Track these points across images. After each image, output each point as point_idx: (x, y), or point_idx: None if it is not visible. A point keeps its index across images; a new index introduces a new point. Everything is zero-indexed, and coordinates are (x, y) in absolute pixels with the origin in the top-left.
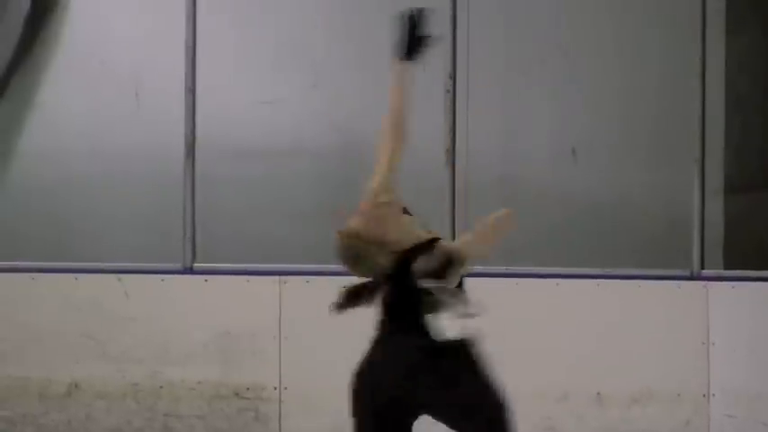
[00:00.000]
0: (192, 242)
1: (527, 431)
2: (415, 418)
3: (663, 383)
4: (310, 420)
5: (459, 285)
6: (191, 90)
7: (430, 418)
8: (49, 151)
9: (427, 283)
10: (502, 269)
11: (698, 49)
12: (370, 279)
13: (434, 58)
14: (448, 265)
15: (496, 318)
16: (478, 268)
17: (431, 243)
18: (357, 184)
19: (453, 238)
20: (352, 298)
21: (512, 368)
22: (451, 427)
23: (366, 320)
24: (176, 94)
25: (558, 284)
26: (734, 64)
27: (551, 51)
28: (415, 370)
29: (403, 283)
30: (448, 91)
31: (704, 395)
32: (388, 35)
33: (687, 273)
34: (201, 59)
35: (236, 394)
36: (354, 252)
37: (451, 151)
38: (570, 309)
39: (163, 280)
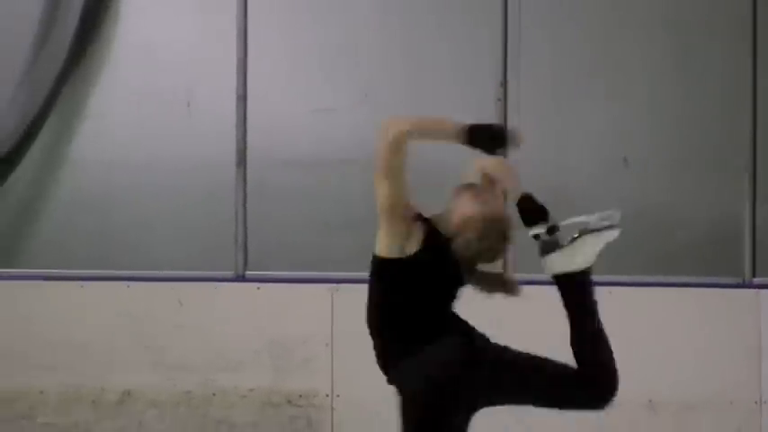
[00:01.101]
0: (244, 250)
1: None
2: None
3: (714, 391)
4: (363, 428)
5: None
6: (242, 99)
7: None
8: (101, 161)
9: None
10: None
11: (749, 59)
12: None
13: (486, 67)
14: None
15: (550, 326)
16: (532, 277)
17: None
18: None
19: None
20: None
21: None
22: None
23: None
24: (228, 104)
25: (610, 292)
26: None
27: (603, 60)
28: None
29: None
30: (499, 99)
31: (756, 402)
32: (437, 46)
33: (739, 280)
34: (253, 68)
35: (289, 401)
36: (500, 230)
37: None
38: (622, 316)
39: (215, 288)
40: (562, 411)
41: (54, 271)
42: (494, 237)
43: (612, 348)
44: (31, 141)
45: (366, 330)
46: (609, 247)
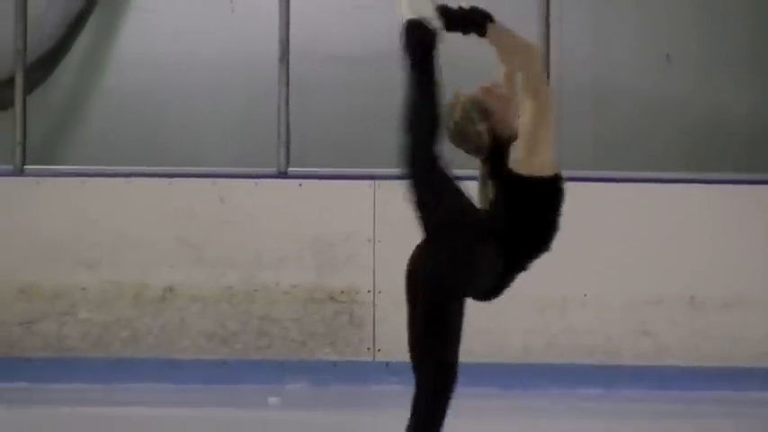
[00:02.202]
0: (287, 147)
1: (622, 335)
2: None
3: (756, 289)
4: (404, 324)
5: None
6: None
7: None
8: (145, 57)
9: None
10: (594, 173)
11: None
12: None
13: None
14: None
15: (588, 222)
16: (573, 173)
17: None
18: (450, 87)
19: None
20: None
21: (605, 273)
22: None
23: None
24: (271, 0)
25: (650, 188)
26: None
27: None
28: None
29: (496, 163)
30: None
31: None
32: None
33: None
34: None
35: (331, 298)
36: (467, 115)
37: (546, 56)
38: (663, 213)
39: (257, 184)
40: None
41: (98, 167)
42: (466, 117)
43: (655, 245)
44: (74, 37)
45: (408, 225)
46: (649, 142)
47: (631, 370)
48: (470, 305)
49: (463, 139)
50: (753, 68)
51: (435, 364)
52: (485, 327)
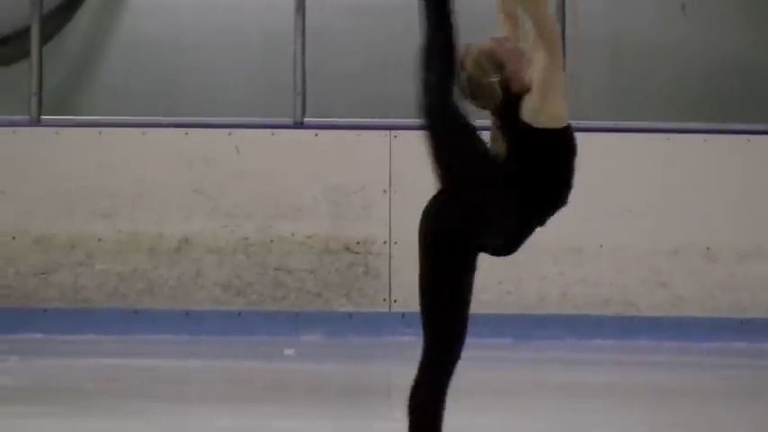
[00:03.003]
0: (303, 97)
1: (638, 284)
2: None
3: None
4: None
5: None
6: None
7: None
8: (161, 5)
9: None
10: (611, 124)
11: None
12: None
13: None
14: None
15: (606, 173)
16: (589, 123)
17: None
18: (467, 38)
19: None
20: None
21: (620, 224)
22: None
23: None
24: None
25: (668, 139)
26: None
27: None
28: None
29: (508, 117)
30: None
31: None
32: None
33: None
34: None
35: (347, 248)
36: (479, 66)
37: (561, 8)
38: (680, 164)
39: (273, 134)
40: None
41: (115, 118)
42: (479, 69)
43: (672, 195)
44: None
45: (425, 177)
46: (666, 93)
47: (647, 321)
48: (484, 256)
49: (475, 92)
50: (765, 19)
51: (446, 318)
52: (499, 277)
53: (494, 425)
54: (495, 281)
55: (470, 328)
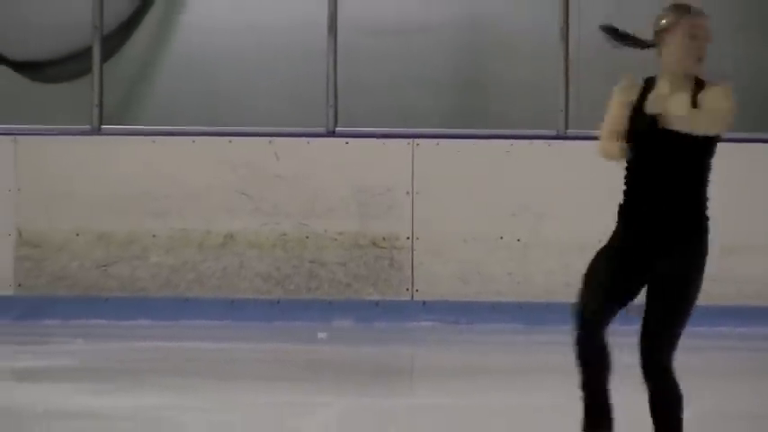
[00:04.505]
0: (335, 109)
1: None
2: None
3: (757, 236)
4: (439, 267)
5: None
6: None
7: None
8: (206, 26)
9: None
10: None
11: None
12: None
13: None
14: None
15: (604, 174)
16: (589, 131)
17: None
18: (482, 57)
19: (566, 118)
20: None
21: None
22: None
23: (483, 185)
24: None
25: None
26: None
27: None
28: None
29: None
30: None
31: None
32: None
33: None
34: None
35: (374, 244)
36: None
37: (565, 29)
38: None
39: (308, 142)
40: None
41: (167, 127)
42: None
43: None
44: (145, 12)
45: (441, 181)
46: None
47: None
48: (498, 251)
49: None
50: (757, 39)
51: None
52: (511, 269)
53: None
54: (507, 272)
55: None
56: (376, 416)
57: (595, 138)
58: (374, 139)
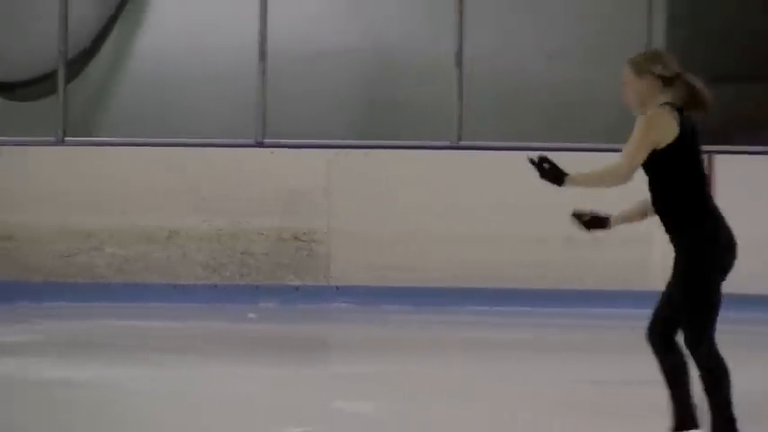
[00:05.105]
0: (263, 121)
1: (517, 264)
2: None
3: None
4: (350, 257)
5: None
6: (263, 9)
7: None
8: (158, 51)
9: None
10: (498, 143)
11: None
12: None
13: None
14: None
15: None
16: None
17: None
18: (387, 78)
19: (459, 130)
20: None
21: (517, 214)
22: None
23: (389, 188)
24: (253, 15)
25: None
26: None
27: None
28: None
29: None
30: (457, 5)
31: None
32: None
33: None
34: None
35: (295, 237)
36: None
37: (459, 54)
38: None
39: (240, 151)
40: None
41: (122, 138)
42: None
43: (544, 195)
44: (106, 37)
45: (352, 184)
46: (544, 120)
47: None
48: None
49: None
50: (615, 62)
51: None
52: (411, 260)
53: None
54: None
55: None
56: (300, 383)
57: (486, 148)
58: (296, 149)
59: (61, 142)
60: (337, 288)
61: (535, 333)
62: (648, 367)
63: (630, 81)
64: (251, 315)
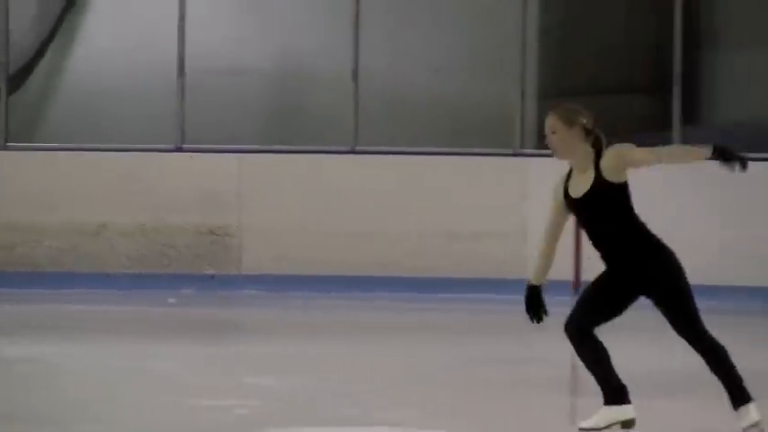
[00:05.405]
0: (182, 129)
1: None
2: None
3: (496, 225)
4: (260, 250)
5: None
6: (181, 28)
7: None
8: (91, 66)
9: None
10: (390, 148)
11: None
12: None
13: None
14: None
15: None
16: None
17: None
18: (293, 90)
19: (356, 137)
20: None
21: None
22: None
23: (295, 188)
24: (172, 34)
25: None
26: (543, 8)
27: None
28: None
29: None
30: (353, 25)
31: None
32: None
33: (510, 151)
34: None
35: (211, 232)
36: None
37: (355, 71)
38: (427, 173)
39: (162, 156)
40: None
41: (59, 144)
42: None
43: (425, 194)
44: (42, 54)
45: (260, 185)
46: (429, 126)
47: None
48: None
49: None
50: (492, 76)
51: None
52: (314, 252)
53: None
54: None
55: None
56: (214, 360)
57: (380, 152)
58: (211, 154)
59: (4, 147)
60: (247, 276)
61: (420, 316)
62: (517, 347)
63: (560, 130)
64: (171, 300)
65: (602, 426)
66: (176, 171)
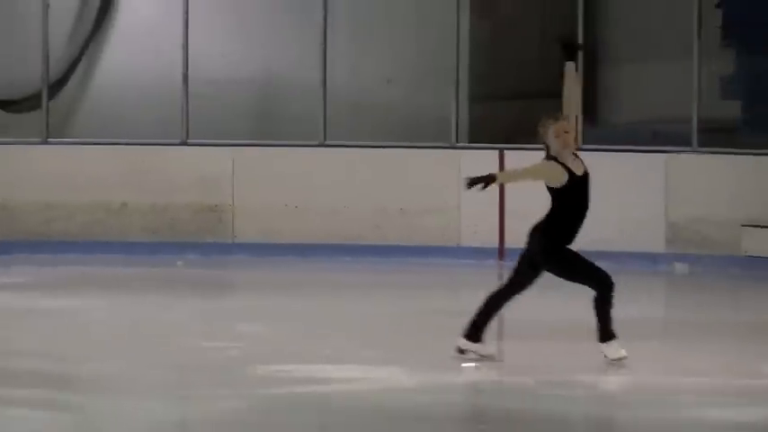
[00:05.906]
0: (186, 125)
1: (364, 227)
2: None
3: (436, 201)
4: (250, 223)
5: None
6: (185, 47)
7: None
8: (115, 79)
9: None
10: (352, 142)
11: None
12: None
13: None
14: None
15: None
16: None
17: None
18: (272, 96)
19: (325, 134)
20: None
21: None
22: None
23: (277, 175)
24: (178, 51)
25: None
26: (474, 30)
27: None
28: None
29: None
30: (322, 44)
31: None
32: None
33: (448, 144)
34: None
35: (209, 209)
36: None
37: (324, 80)
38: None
39: (169, 149)
40: None
41: (89, 139)
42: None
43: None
44: (75, 67)
45: (251, 172)
46: (383, 126)
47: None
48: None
49: None
50: (432, 83)
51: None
52: (296, 224)
53: None
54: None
55: None
56: (214, 311)
57: (345, 146)
58: (210, 147)
59: (45, 142)
60: (239, 244)
61: (380, 277)
62: (456, 300)
63: (571, 130)
64: (179, 263)
65: (624, 354)
66: (182, 161)
